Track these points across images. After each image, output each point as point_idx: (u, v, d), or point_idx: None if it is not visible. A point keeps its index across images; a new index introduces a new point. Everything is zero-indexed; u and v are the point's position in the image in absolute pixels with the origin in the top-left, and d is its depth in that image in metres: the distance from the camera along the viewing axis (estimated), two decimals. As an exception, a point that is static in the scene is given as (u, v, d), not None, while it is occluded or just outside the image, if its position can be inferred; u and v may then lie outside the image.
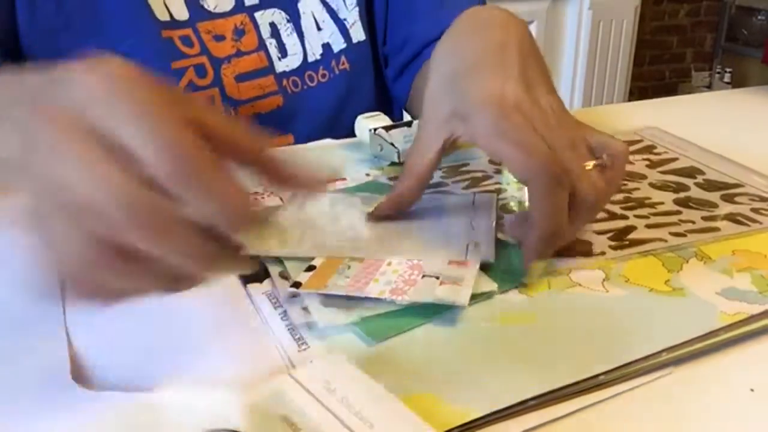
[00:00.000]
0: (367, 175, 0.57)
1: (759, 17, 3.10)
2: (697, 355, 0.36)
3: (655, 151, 0.62)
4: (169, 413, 0.30)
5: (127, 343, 0.37)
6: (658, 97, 0.82)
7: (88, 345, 0.37)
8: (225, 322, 0.39)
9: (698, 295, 0.40)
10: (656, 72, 3.25)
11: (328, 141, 0.65)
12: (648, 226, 0.48)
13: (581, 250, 0.45)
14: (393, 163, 0.58)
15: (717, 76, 3.33)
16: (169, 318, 0.39)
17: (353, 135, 0.63)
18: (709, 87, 3.35)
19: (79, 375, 0.34)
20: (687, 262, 0.44)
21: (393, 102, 0.77)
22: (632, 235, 0.47)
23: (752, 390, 0.34)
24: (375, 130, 0.59)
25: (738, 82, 3.22)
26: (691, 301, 0.39)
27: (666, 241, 0.46)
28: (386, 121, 0.61)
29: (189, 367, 0.35)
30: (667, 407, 0.33)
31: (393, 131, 0.58)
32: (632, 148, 0.63)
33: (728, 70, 3.28)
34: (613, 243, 0.46)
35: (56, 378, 0.34)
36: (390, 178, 0.56)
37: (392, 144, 0.57)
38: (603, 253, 0.45)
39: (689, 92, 3.11)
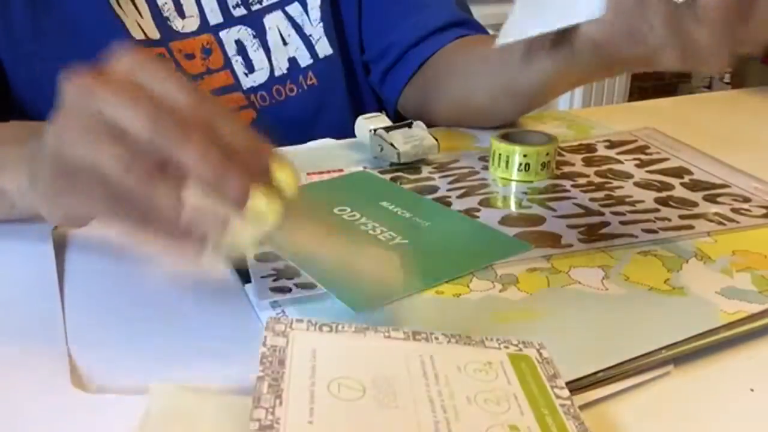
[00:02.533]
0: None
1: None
2: (697, 355, 0.36)
3: (648, 151, 0.62)
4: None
5: (125, 346, 0.37)
6: (659, 97, 0.82)
7: (87, 348, 0.37)
8: (223, 324, 0.39)
9: (698, 295, 0.40)
10: (656, 72, 3.25)
11: (328, 141, 0.65)
12: (622, 223, 0.49)
13: (549, 240, 0.46)
14: (393, 164, 0.58)
15: (717, 76, 3.33)
16: (167, 321, 0.39)
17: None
18: (709, 87, 3.34)
19: (78, 378, 0.34)
20: (687, 261, 0.44)
21: (379, 107, 0.78)
22: (604, 230, 0.47)
23: (752, 390, 0.34)
24: (375, 130, 0.59)
25: (738, 82, 3.22)
26: (691, 300, 0.39)
27: (636, 236, 0.46)
28: (386, 122, 0.61)
29: (187, 370, 0.35)
30: (666, 407, 0.33)
31: (393, 132, 0.58)
32: (625, 148, 0.63)
33: (728, 70, 3.28)
34: (582, 237, 0.46)
35: (55, 381, 0.34)
36: (382, 171, 0.56)
37: (392, 144, 0.57)
38: (570, 245, 0.45)
39: (689, 92, 3.11)
